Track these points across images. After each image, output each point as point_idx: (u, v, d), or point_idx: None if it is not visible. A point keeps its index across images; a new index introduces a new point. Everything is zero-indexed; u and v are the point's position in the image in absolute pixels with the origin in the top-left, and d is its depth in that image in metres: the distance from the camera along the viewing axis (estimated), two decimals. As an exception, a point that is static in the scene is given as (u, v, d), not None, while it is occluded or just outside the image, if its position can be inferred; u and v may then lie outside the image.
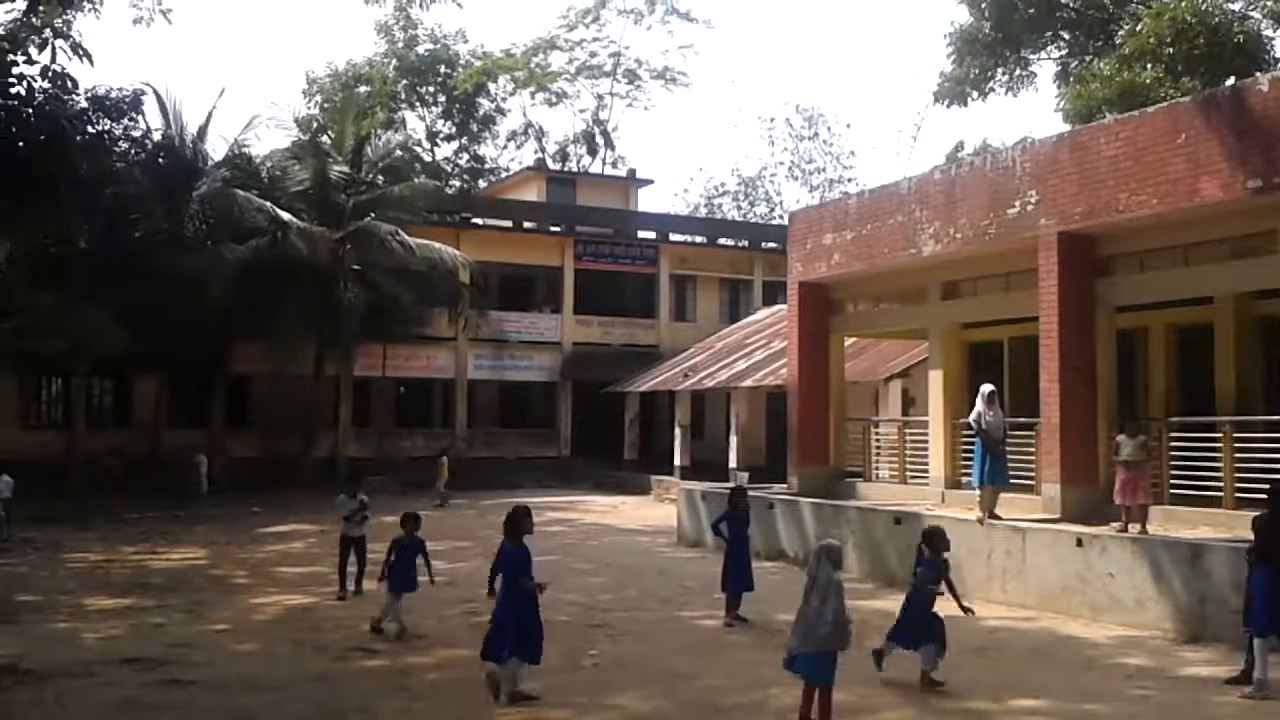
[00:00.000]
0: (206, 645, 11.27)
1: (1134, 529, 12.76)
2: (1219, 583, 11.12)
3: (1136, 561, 12.13)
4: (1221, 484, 13.56)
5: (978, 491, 14.61)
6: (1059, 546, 13.13)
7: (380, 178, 33.09)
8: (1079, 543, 12.88)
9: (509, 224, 37.84)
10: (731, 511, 13.23)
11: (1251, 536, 9.57)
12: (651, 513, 26.41)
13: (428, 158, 54.86)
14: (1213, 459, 13.74)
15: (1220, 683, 9.34)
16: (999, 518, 14.24)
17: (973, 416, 14.64)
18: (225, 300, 26.53)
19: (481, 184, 54.34)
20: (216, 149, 31.60)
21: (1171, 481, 14.14)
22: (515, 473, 33.43)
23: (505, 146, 59.18)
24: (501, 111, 57.36)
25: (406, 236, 29.86)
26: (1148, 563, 11.99)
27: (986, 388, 14.83)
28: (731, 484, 21.14)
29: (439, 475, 27.75)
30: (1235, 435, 13.54)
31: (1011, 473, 15.14)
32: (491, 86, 55.53)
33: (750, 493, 15.05)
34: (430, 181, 38.10)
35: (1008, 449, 14.76)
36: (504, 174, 52.92)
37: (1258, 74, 14.05)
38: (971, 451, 16.70)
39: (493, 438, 36.17)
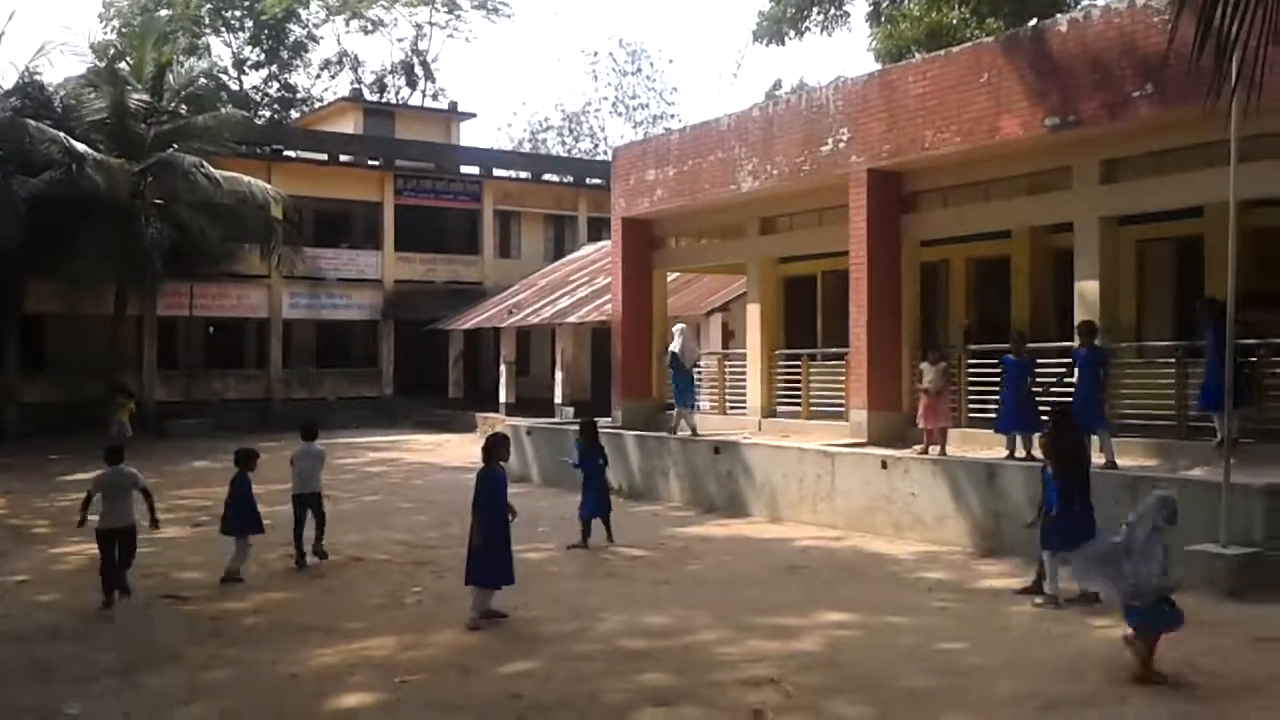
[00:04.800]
0: (4, 597, 10.72)
1: (934, 451, 13.47)
2: (1013, 500, 11.87)
3: (937, 481, 12.83)
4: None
5: (676, 412, 17.35)
6: (865, 469, 13.75)
7: (183, 107, 31.37)
8: (884, 465, 13.53)
9: (324, 157, 36.56)
10: (592, 446, 13.52)
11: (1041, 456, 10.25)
12: (477, 450, 25.98)
13: (235, 86, 52.26)
14: (1007, 384, 14.58)
15: (1012, 593, 10.01)
16: (678, 432, 16.95)
17: (675, 347, 17.02)
18: (16, 236, 24.91)
19: (294, 115, 52.17)
20: (6, 77, 29.57)
21: (970, 406, 14.97)
22: (335, 414, 32.66)
23: (319, 76, 57.01)
24: (314, 39, 55.10)
25: (213, 169, 28.45)
26: (947, 482, 12.70)
27: (680, 326, 17.59)
28: (566, 420, 21.41)
29: (118, 419, 26.66)
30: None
31: (824, 400, 15.96)
32: (302, 12, 53.21)
33: (574, 428, 15.24)
34: (238, 111, 36.26)
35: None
36: (318, 105, 50.99)
37: (1058, 15, 14.73)
38: (789, 380, 17.47)
39: (311, 378, 35.23)
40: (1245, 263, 11.14)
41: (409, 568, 11.81)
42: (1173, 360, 13.07)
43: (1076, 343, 12.39)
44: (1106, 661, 7.69)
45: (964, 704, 6.91)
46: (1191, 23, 5.49)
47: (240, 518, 11.39)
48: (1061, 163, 13.65)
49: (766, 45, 32.08)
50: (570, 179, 42.09)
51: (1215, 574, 9.64)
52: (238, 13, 52.56)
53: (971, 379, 15.06)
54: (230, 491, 11.52)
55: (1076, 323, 12.80)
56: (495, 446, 9.62)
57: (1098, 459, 11.46)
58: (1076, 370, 12.13)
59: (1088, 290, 13.35)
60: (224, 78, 51.34)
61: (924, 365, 13.93)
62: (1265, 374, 12.02)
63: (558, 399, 29.37)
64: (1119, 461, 11.98)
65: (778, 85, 44.06)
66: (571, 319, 28.97)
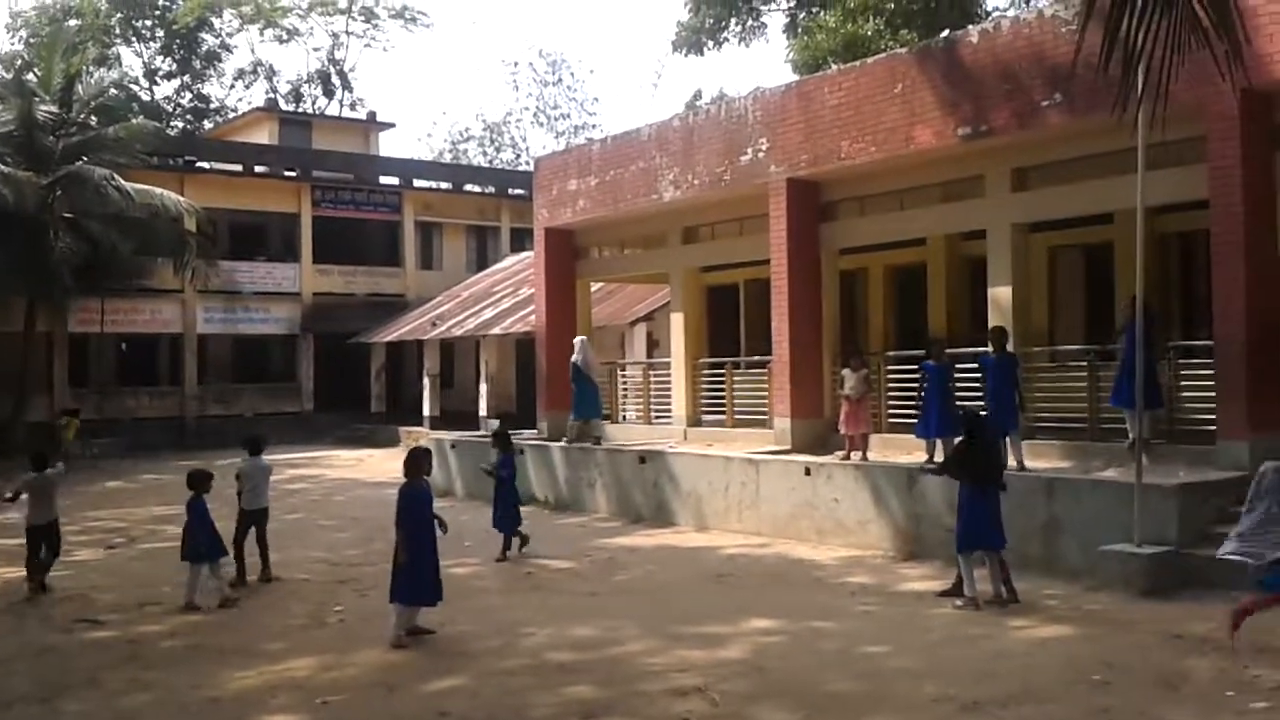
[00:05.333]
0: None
1: (856, 456, 13.63)
2: (932, 504, 12.05)
3: (859, 487, 12.98)
4: (934, 412, 14.66)
5: (571, 421, 17.60)
6: (789, 476, 13.86)
7: (93, 119, 30.59)
8: (807, 472, 13.65)
9: (239, 168, 35.88)
10: (505, 455, 13.58)
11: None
12: (400, 465, 25.89)
13: (146, 97, 51.10)
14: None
15: (935, 595, 10.15)
16: (598, 442, 17.13)
17: (576, 359, 17.17)
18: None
19: (207, 125, 51.14)
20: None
21: (890, 411, 15.18)
22: (253, 430, 31.95)
23: (233, 86, 55.99)
24: (227, 48, 54.11)
25: (124, 182, 27.72)
26: (869, 487, 12.85)
27: (581, 338, 17.73)
28: (489, 433, 21.26)
29: (62, 440, 25.95)
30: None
31: (748, 408, 16.07)
32: (215, 21, 52.20)
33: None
34: (149, 122, 35.41)
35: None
36: (232, 115, 50.01)
37: (969, 27, 15.04)
38: (713, 389, 17.58)
39: (227, 394, 34.46)
40: (1154, 267, 11.49)
41: (330, 586, 11.61)
42: (1084, 364, 13.39)
43: (988, 349, 12.61)
44: (1025, 662, 7.84)
45: (887, 707, 6.98)
46: (1099, 33, 5.60)
47: (209, 542, 10.94)
48: (974, 171, 13.93)
49: (686, 55, 32.38)
50: (492, 189, 41.84)
51: (1130, 573, 9.87)
52: (149, 22, 51.44)
53: (891, 385, 15.29)
54: (190, 516, 10.99)
55: (989, 329, 13.05)
56: (417, 462, 9.47)
57: (1010, 462, 11.69)
58: (988, 375, 12.34)
59: (1001, 296, 13.63)
60: (135, 88, 50.23)
61: (845, 372, 14.09)
62: (1175, 376, 12.38)
63: (483, 412, 29.14)
64: (1034, 464, 12.25)
65: (698, 95, 44.32)
66: (496, 330, 28.79)
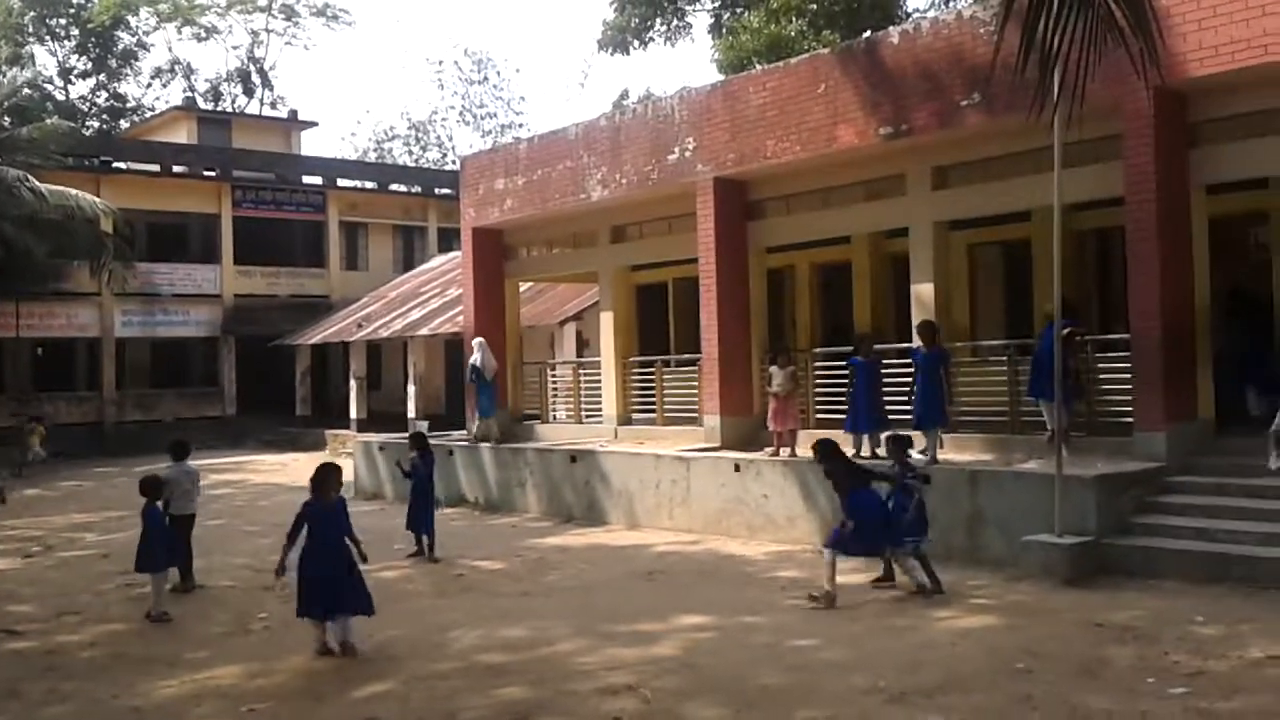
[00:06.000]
0: None
1: (785, 453, 13.74)
2: (859, 497, 12.16)
3: (787, 482, 13.09)
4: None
5: (477, 421, 18.33)
6: (719, 473, 13.94)
7: (6, 119, 29.85)
8: (736, 468, 13.74)
9: (157, 168, 35.11)
10: (422, 457, 13.57)
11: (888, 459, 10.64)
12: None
13: (61, 96, 49.86)
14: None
15: (869, 585, 10.27)
16: (503, 442, 17.62)
17: (475, 361, 18.11)
18: None
19: (124, 125, 50.00)
20: None
21: (817, 406, 15.33)
22: (175, 435, 31.32)
23: (150, 85, 54.89)
24: (144, 47, 52.95)
25: (38, 183, 27.01)
26: (797, 483, 12.96)
27: (479, 340, 18.51)
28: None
29: (28, 445, 26.65)
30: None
31: (678, 406, 16.15)
32: (132, 19, 51.03)
33: (431, 440, 15.01)
34: (64, 122, 34.46)
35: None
36: (149, 114, 48.99)
37: (890, 28, 15.25)
38: (643, 387, 17.62)
39: (147, 399, 33.73)
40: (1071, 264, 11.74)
41: (255, 593, 11.40)
42: (1004, 358, 13.64)
43: (917, 344, 12.80)
44: (949, 652, 7.98)
45: (816, 700, 7.05)
46: (1016, 34, 5.70)
47: (166, 551, 10.63)
48: (896, 170, 14.12)
49: (612, 55, 32.39)
50: (418, 189, 41.45)
51: (1052, 563, 10.09)
52: (63, 21, 50.14)
53: (819, 381, 15.45)
54: (145, 524, 10.59)
55: (915, 325, 13.24)
56: (325, 478, 8.82)
57: (920, 456, 11.91)
58: (918, 370, 12.53)
59: (923, 292, 13.84)
60: (49, 88, 48.98)
61: (773, 369, 14.20)
62: (1090, 370, 12.66)
63: (411, 413, 28.82)
64: (958, 457, 12.46)
65: (625, 95, 44.42)
66: (423, 331, 28.53)
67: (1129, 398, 11.81)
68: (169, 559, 10.72)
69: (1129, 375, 11.76)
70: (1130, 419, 11.78)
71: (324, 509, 8.80)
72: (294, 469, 25.66)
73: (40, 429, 27.50)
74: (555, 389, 20.41)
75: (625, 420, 18.05)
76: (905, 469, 10.23)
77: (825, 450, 10.20)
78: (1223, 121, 11.38)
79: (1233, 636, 7.97)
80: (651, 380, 17.84)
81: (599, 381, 18.72)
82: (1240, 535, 9.93)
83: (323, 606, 8.62)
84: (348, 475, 20.41)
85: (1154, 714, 6.44)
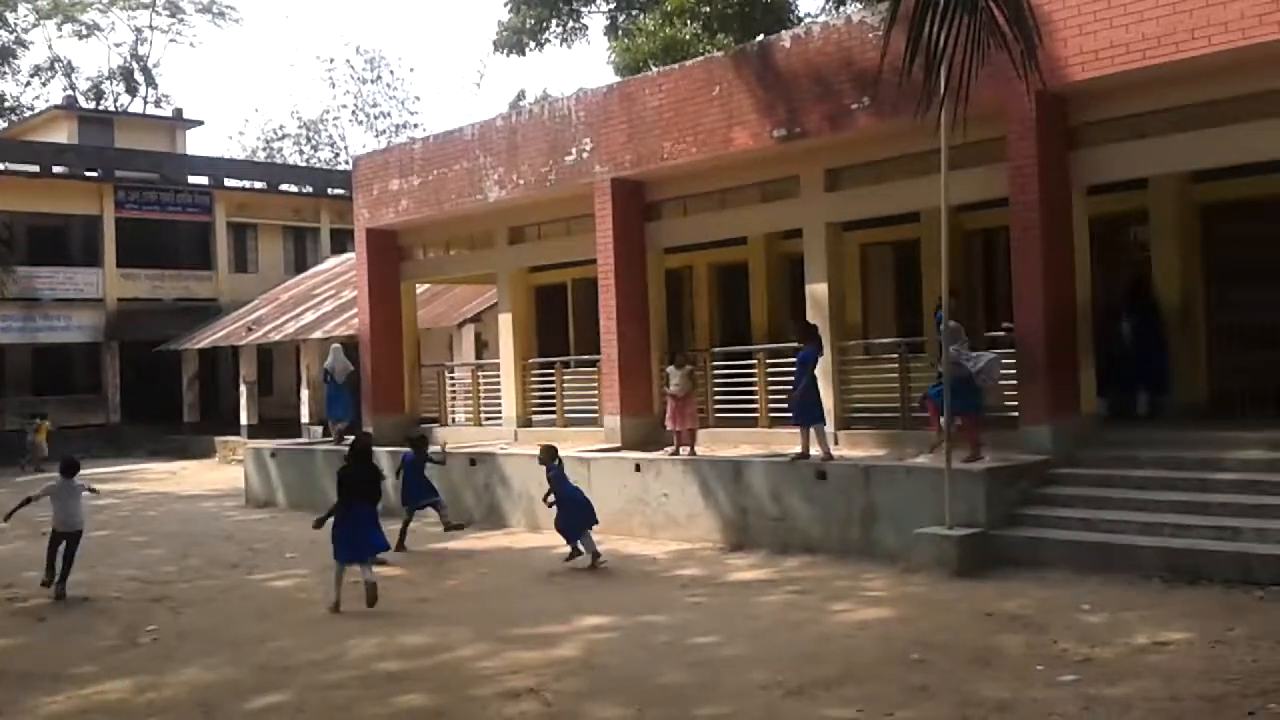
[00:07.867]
0: None
1: (685, 452, 13.83)
2: (757, 494, 12.35)
3: (687, 481, 13.17)
4: (757, 406, 15.04)
5: (336, 424, 18.93)
6: (620, 473, 13.96)
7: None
8: (637, 468, 13.78)
9: (36, 169, 33.80)
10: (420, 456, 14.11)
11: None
12: (216, 476, 25.04)
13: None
14: (749, 383, 15.20)
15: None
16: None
17: (327, 364, 18.83)
18: None
19: (2, 125, 48.02)
20: None
21: (716, 405, 15.47)
22: (57, 445, 30.12)
23: (29, 83, 52.71)
24: (23, 44, 50.90)
25: (-92, 184, 25.85)
26: (697, 481, 13.06)
27: (335, 345, 19.32)
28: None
29: (35, 440, 27.67)
30: (768, 361, 15.02)
31: (579, 407, 16.31)
32: (9, 16, 49.06)
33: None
34: (-65, 121, 33.14)
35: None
36: (28, 114, 47.15)
37: (782, 32, 15.45)
38: (543, 389, 17.54)
39: (27, 407, 32.41)
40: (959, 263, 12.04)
41: (143, 605, 11.06)
42: (895, 355, 13.93)
43: (797, 343, 12.93)
44: (846, 644, 8.12)
45: (717, 696, 7.10)
46: (903, 38, 5.81)
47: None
48: (790, 172, 14.32)
49: (508, 55, 32.20)
50: (310, 189, 40.61)
51: (943, 555, 10.33)
52: (-67, 16, 48.00)
53: (718, 381, 15.58)
54: None
55: (796, 325, 13.40)
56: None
57: (815, 450, 12.12)
58: (798, 369, 12.60)
59: (818, 292, 14.06)
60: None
61: (670, 369, 14.27)
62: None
63: (304, 418, 28.29)
64: (851, 453, 12.67)
65: (521, 95, 44.16)
66: (317, 334, 27.96)
67: (1015, 392, 12.14)
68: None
69: (1014, 370, 12.08)
70: (1016, 413, 12.11)
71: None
72: (184, 477, 25.03)
73: (45, 426, 28.13)
74: (454, 391, 20.21)
75: (525, 422, 17.96)
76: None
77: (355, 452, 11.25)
78: (1103, 124, 11.78)
79: (1118, 624, 8.22)
80: (551, 381, 17.78)
81: (498, 383, 18.59)
82: (1124, 525, 10.25)
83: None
84: (239, 484, 20.11)
85: (1045, 701, 6.62)
